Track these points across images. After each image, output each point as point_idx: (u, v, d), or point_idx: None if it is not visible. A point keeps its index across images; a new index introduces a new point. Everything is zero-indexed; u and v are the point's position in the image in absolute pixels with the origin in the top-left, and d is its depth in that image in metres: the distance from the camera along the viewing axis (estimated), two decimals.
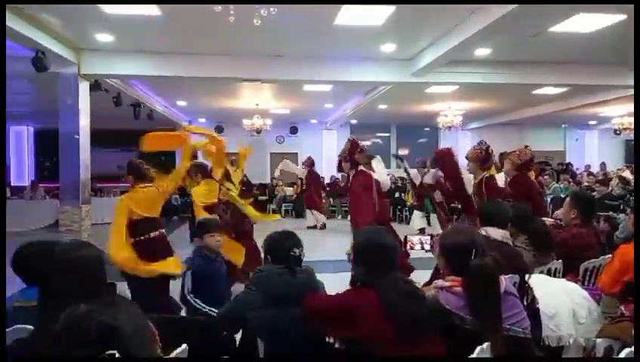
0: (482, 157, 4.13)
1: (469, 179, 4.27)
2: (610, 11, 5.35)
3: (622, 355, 1.56)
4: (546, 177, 9.29)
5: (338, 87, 9.07)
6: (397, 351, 1.68)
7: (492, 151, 4.23)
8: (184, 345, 1.48)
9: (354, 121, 15.53)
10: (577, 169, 14.03)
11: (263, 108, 11.84)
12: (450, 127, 12.45)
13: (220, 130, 15.40)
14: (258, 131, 12.08)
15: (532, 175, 5.07)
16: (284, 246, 2.14)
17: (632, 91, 9.13)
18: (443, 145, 17.12)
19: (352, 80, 7.96)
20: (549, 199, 8.09)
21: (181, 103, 11.88)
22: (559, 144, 17.59)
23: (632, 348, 1.60)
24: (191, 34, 6.31)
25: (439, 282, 1.89)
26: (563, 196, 7.44)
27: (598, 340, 1.86)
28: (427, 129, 16.29)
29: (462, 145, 16.90)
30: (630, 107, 12.14)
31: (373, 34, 6.29)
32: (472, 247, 1.76)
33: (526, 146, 4.25)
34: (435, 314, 1.76)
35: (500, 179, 4.36)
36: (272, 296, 2.02)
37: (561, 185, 9.26)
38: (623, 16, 5.44)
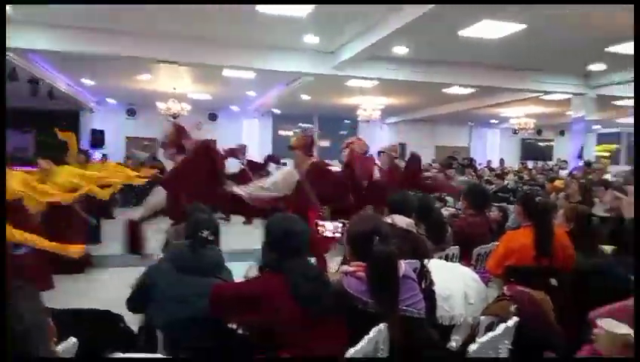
0: (308, 145, 4.12)
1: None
2: (513, 20, 5.86)
3: (498, 330, 1.74)
4: (452, 170, 10.02)
5: (261, 75, 8.97)
6: (301, 335, 1.73)
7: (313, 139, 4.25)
8: (72, 339, 1.39)
9: (276, 111, 15.47)
10: (480, 164, 15.27)
11: (181, 92, 11.34)
12: (369, 121, 12.90)
13: (131, 113, 14.51)
14: (174, 116, 11.55)
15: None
16: (196, 226, 2.18)
17: (528, 94, 10.15)
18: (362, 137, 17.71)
19: (275, 69, 7.91)
20: None
21: (88, 82, 10.97)
22: (465, 140, 19.02)
23: (508, 323, 1.80)
24: (101, 7, 5.83)
25: (344, 267, 1.98)
26: None
27: (482, 317, 2.06)
28: (348, 121, 16.71)
29: (379, 139, 17.61)
30: (526, 109, 13.48)
31: (296, 24, 6.29)
32: (375, 234, 1.85)
33: (400, 143, 4.53)
34: (339, 298, 1.84)
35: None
36: (179, 267, 2.09)
37: (465, 178, 10.03)
38: (523, 26, 5.99)
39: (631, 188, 1.98)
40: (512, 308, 1.92)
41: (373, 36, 6.21)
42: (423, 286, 2.50)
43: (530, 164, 15.05)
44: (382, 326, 1.71)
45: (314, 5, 5.46)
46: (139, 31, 6.80)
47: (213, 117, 15.31)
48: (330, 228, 2.63)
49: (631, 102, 11.22)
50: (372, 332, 1.68)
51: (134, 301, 2.15)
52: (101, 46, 6.87)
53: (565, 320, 2.12)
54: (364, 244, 1.83)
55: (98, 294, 4.08)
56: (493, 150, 18.31)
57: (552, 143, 19.50)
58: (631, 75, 8.51)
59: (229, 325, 1.99)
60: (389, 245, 1.82)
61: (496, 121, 17.14)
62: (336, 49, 7.58)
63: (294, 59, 7.78)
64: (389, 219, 3.00)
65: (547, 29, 6.21)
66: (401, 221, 2.96)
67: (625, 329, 0.97)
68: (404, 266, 1.94)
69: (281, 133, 16.25)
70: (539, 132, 18.19)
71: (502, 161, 15.62)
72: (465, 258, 3.26)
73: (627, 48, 6.97)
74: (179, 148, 4.18)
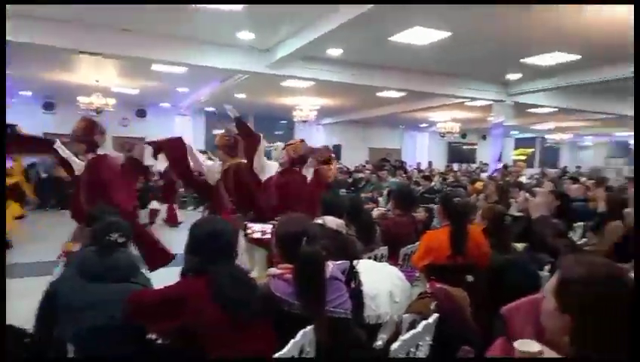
0: (231, 145, 4.08)
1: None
2: (439, 28, 6.15)
3: (419, 327, 1.80)
4: (384, 172, 10.35)
5: (193, 70, 8.67)
6: (226, 339, 1.68)
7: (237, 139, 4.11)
8: None
9: (210, 109, 15.06)
10: (410, 166, 15.92)
11: (105, 85, 10.66)
12: (305, 121, 12.95)
13: (49, 107, 13.41)
14: (98, 111, 10.83)
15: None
16: (103, 230, 2.02)
17: (454, 100, 10.73)
18: (298, 138, 17.76)
19: (207, 65, 7.67)
20: (385, 191, 9.01)
21: None
22: (397, 143, 19.75)
23: (429, 320, 1.87)
24: None
25: (272, 270, 1.95)
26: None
27: (405, 315, 2.13)
28: (284, 121, 16.69)
29: (315, 140, 17.72)
30: (452, 114, 14.25)
31: (230, 19, 6.14)
32: (303, 236, 1.84)
33: (302, 140, 4.12)
34: (266, 302, 1.81)
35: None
36: (85, 274, 1.93)
37: (396, 180, 10.41)
38: (448, 34, 6.31)
39: (539, 190, 2.15)
40: (433, 305, 2.00)
41: (308, 36, 6.23)
42: (353, 286, 2.55)
43: (455, 167, 15.95)
44: (308, 328, 1.71)
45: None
46: (59, 18, 6.28)
47: (141, 113, 14.58)
48: (258, 229, 2.59)
49: (543, 110, 12.28)
50: (298, 336, 1.67)
51: (42, 316, 1.97)
52: (13, 33, 6.26)
53: (481, 316, 2.25)
54: (292, 246, 1.81)
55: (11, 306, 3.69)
56: (423, 152, 19.18)
57: (475, 147, 20.80)
58: (542, 85, 9.31)
59: (148, 335, 1.89)
60: (317, 246, 1.81)
61: (426, 125, 17.96)
62: (271, 47, 7.52)
63: (228, 56, 7.60)
64: (320, 220, 3.03)
65: (470, 39, 6.60)
66: (332, 222, 2.99)
67: (536, 347, 1.06)
68: (332, 267, 1.95)
69: (216, 132, 15.83)
70: (464, 136, 19.31)
71: (430, 163, 16.40)
72: (393, 257, 3.36)
73: (539, 60, 7.60)
74: (89, 144, 3.75)
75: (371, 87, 9.32)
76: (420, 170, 13.15)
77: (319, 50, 7.28)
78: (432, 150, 19.44)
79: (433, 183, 8.89)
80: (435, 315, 1.91)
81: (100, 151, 3.60)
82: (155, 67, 8.68)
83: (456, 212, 2.92)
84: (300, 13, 5.84)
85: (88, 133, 3.75)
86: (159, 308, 1.79)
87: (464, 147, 20.76)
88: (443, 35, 6.32)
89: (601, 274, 1.11)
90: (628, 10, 5.07)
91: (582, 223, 5.18)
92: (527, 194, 2.54)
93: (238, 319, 1.71)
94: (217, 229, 1.88)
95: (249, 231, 2.59)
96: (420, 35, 6.36)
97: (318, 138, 17.60)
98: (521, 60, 7.72)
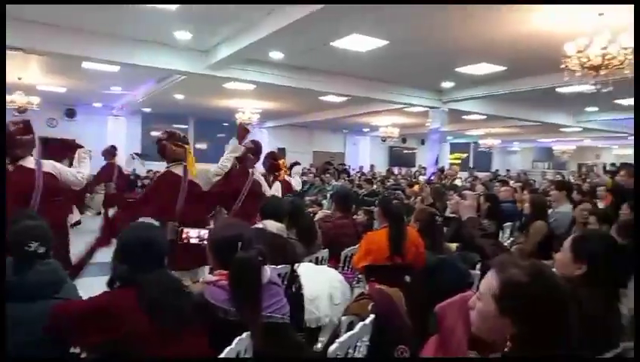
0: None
1: None
2: (377, 36, 6.32)
3: (357, 328, 1.82)
4: (328, 175, 10.46)
5: (127, 69, 8.27)
6: (158, 351, 1.60)
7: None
8: None
9: (147, 110, 14.45)
10: (354, 169, 16.21)
11: (29, 83, 9.89)
12: (248, 124, 12.78)
13: None
14: (21, 111, 10.03)
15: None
16: (20, 239, 1.81)
17: (394, 106, 11.06)
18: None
19: (143, 64, 7.35)
20: (329, 194, 9.10)
21: None
22: (341, 147, 20.04)
23: (366, 321, 1.89)
24: None
25: (207, 277, 1.89)
26: None
27: (343, 317, 2.14)
28: (226, 124, 16.35)
29: None
30: (392, 119, 14.70)
31: (166, 18, 5.93)
32: (238, 241, 1.80)
33: (280, 148, 4.22)
34: (200, 309, 1.75)
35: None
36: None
37: (339, 183, 10.55)
38: (386, 42, 6.50)
39: (468, 193, 2.27)
40: (370, 306, 2.03)
41: (248, 38, 6.16)
42: (293, 290, 2.54)
43: (396, 170, 16.44)
44: (244, 334, 1.67)
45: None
46: None
47: (71, 113, 13.70)
48: (194, 235, 2.50)
49: (475, 117, 12.99)
50: (234, 343, 1.63)
51: None
52: None
53: (417, 314, 2.32)
54: (227, 252, 1.77)
55: None
56: (365, 156, 19.60)
57: (415, 151, 21.58)
58: (473, 93, 9.85)
59: (72, 349, 1.75)
60: (252, 252, 1.78)
61: (368, 130, 18.38)
62: (210, 48, 7.35)
63: (164, 55, 7.33)
64: (260, 225, 2.99)
65: (406, 48, 6.85)
66: (273, 226, 2.97)
67: None
68: (269, 272, 1.93)
69: (154, 133, 15.20)
70: (404, 140, 19.98)
71: (372, 166, 16.79)
72: (333, 260, 3.38)
73: (470, 70, 8.04)
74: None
75: (314, 91, 9.39)
76: (362, 174, 13.43)
77: (261, 53, 7.23)
78: (374, 154, 19.92)
79: (375, 186, 9.12)
80: (372, 316, 1.94)
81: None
82: (85, 65, 8.19)
83: (395, 214, 3.00)
84: (238, 15, 5.76)
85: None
86: (84, 320, 1.67)
87: (404, 151, 21.47)
88: (381, 43, 6.50)
89: (541, 277, 1.13)
90: (550, 25, 5.49)
91: (510, 223, 5.53)
92: (458, 197, 2.66)
93: (170, 329, 1.64)
94: (147, 236, 1.79)
95: (185, 235, 2.49)
96: (359, 42, 6.51)
97: (262, 141, 17.44)
98: (454, 70, 8.13)
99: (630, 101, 10.62)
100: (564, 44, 5.17)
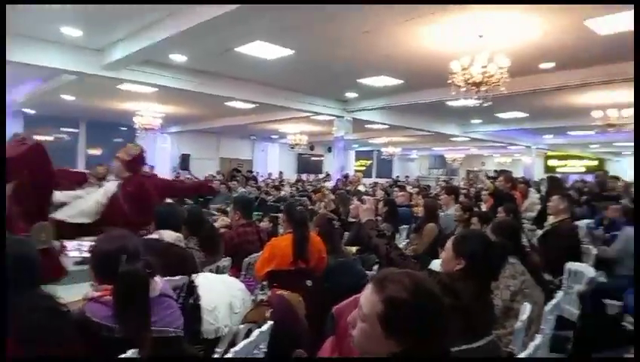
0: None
1: None
2: (282, 45, 6.38)
3: (253, 336, 1.81)
4: (235, 182, 10.27)
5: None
6: None
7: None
8: None
9: (30, 111, 12.97)
10: (262, 176, 16.13)
11: None
12: (147, 129, 12.09)
13: None
14: None
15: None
16: None
17: (301, 114, 11.24)
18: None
19: (23, 61, 6.59)
20: None
21: None
22: (249, 153, 19.84)
23: (262, 328, 1.88)
24: None
25: (88, 293, 1.74)
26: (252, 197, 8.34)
27: (240, 326, 2.11)
28: (124, 128, 15.30)
29: (161, 149, 16.71)
30: (300, 126, 14.93)
31: (50, 12, 5.40)
32: (122, 253, 1.68)
33: (136, 145, 3.83)
34: (80, 328, 1.61)
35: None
36: None
37: (246, 190, 10.42)
38: (291, 52, 6.59)
39: (366, 198, 2.39)
40: (268, 312, 2.03)
41: (148, 39, 5.84)
42: (191, 301, 2.44)
43: (304, 177, 16.69)
44: (130, 352, 1.56)
45: None
46: None
47: None
48: (73, 247, 2.29)
49: (377, 126, 13.70)
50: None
51: None
52: None
53: (316, 317, 2.37)
54: (110, 266, 1.64)
55: None
56: (274, 163, 19.62)
57: (322, 158, 22.12)
58: (375, 104, 10.40)
59: None
60: (138, 264, 1.68)
61: (277, 136, 18.44)
62: (105, 47, 6.84)
63: (50, 53, 6.66)
64: (155, 235, 2.84)
65: (312, 58, 7.03)
66: (169, 236, 2.83)
67: None
68: (161, 284, 1.83)
69: (37, 138, 13.67)
70: (311, 148, 20.37)
71: (281, 173, 16.85)
72: (235, 268, 3.33)
73: (372, 81, 8.47)
74: None
75: (219, 96, 9.18)
76: (271, 180, 13.42)
77: (161, 55, 6.91)
78: (283, 161, 20.03)
79: (283, 193, 9.16)
80: (270, 322, 1.94)
81: None
82: None
83: (298, 219, 3.04)
84: (133, 15, 5.44)
85: None
86: None
87: (312, 158, 21.89)
88: (286, 52, 6.59)
89: (421, 291, 1.11)
90: (438, 44, 6.00)
91: (406, 226, 5.90)
92: (358, 202, 2.78)
93: (44, 351, 1.48)
94: (18, 252, 1.60)
95: (64, 248, 2.27)
96: (264, 49, 6.52)
97: (164, 147, 16.63)
98: (357, 81, 8.51)
99: (507, 115, 12.02)
100: (450, 61, 5.68)
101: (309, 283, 2.82)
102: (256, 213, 6.23)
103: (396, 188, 8.56)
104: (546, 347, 2.52)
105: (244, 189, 10.46)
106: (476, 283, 1.86)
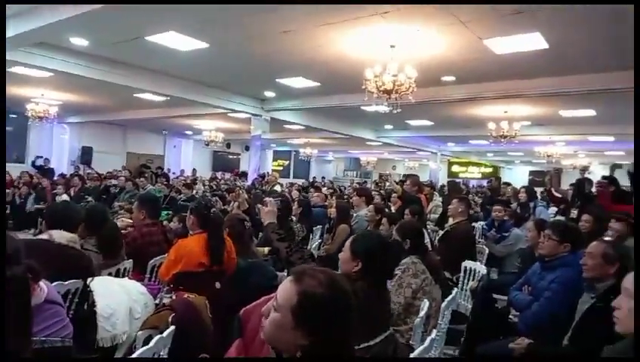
0: None
1: None
2: (197, 37, 6.14)
3: (152, 342, 1.71)
4: (143, 179, 9.69)
5: None
6: None
7: None
8: None
9: None
10: (174, 173, 15.43)
11: None
12: (43, 118, 10.94)
13: None
14: None
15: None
16: None
17: (217, 110, 10.92)
18: (34, 137, 14.91)
19: None
20: None
21: None
22: (160, 149, 18.85)
23: (164, 334, 1.79)
24: None
25: None
26: (161, 195, 7.90)
27: (139, 332, 1.99)
28: (14, 116, 13.69)
29: (58, 140, 15.28)
30: (216, 123, 14.52)
31: None
32: None
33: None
34: None
35: None
36: None
37: (157, 187, 9.88)
38: (206, 45, 6.37)
39: (268, 200, 2.38)
40: (170, 317, 1.93)
41: (43, 19, 5.27)
42: (86, 307, 2.25)
43: (219, 175, 16.27)
44: None
45: None
46: None
47: None
48: None
49: (295, 127, 13.79)
50: None
51: None
52: None
53: (224, 320, 2.31)
54: None
55: None
56: (187, 160, 18.85)
57: (239, 156, 21.72)
58: (292, 104, 10.47)
59: None
60: (18, 269, 1.50)
61: (191, 132, 17.74)
62: None
63: None
64: (45, 235, 2.57)
65: (228, 54, 6.86)
66: (61, 236, 2.58)
67: None
68: (46, 289, 1.66)
69: None
70: (228, 145, 19.92)
71: (194, 171, 16.25)
72: (138, 271, 3.13)
73: (289, 82, 8.51)
74: None
75: (127, 87, 8.59)
76: (184, 178, 12.86)
77: (58, 37, 6.30)
78: (197, 158, 19.33)
79: (195, 191, 8.82)
80: (172, 328, 1.84)
81: None
82: None
83: (212, 221, 2.94)
84: None
85: None
86: None
87: (229, 157, 21.41)
88: (201, 44, 6.35)
89: (335, 287, 1.14)
90: (354, 50, 6.18)
91: (320, 226, 6.01)
92: (260, 205, 2.76)
93: None
94: None
95: None
96: (178, 40, 6.23)
97: (62, 138, 15.20)
98: (275, 80, 8.49)
99: (416, 122, 12.78)
100: (364, 68, 5.90)
101: (217, 285, 2.74)
102: (165, 212, 5.94)
103: (312, 189, 8.68)
104: (442, 340, 2.71)
105: (153, 187, 9.91)
106: (373, 283, 1.93)
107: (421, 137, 16.12)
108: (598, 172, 15.86)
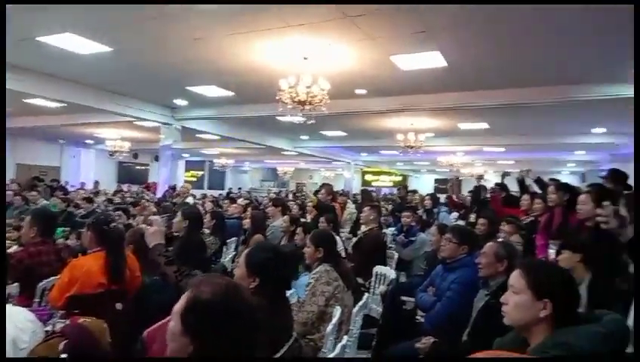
0: None
1: None
2: (98, 41, 5.72)
3: None
4: (34, 193, 8.74)
5: None
6: None
7: None
8: None
9: None
10: (73, 186, 14.14)
11: None
12: None
13: None
14: None
15: None
16: None
17: (122, 118, 10.24)
18: None
19: None
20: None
21: None
22: (56, 160, 17.20)
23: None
24: None
25: None
26: (57, 211, 7.16)
27: None
28: None
29: None
30: (121, 132, 13.62)
31: None
32: None
33: None
34: None
35: None
36: None
37: (52, 202, 8.97)
38: (109, 49, 5.96)
39: (154, 218, 2.27)
40: (62, 344, 1.75)
41: None
42: None
43: (125, 187, 15.23)
44: None
45: None
46: None
47: None
48: None
49: (209, 136, 13.42)
50: None
51: None
52: None
53: (124, 343, 2.14)
54: None
55: None
56: (89, 172, 17.43)
57: (148, 167, 20.56)
58: (206, 113, 10.18)
59: None
60: None
61: (92, 142, 16.45)
62: None
63: None
64: None
65: (134, 59, 6.48)
66: None
67: None
68: None
69: None
70: (135, 156, 18.78)
71: (97, 183, 15.07)
72: (26, 295, 2.79)
73: (203, 90, 8.27)
74: None
75: (15, 91, 7.72)
76: (84, 191, 11.83)
77: None
78: (101, 169, 17.95)
79: (96, 205, 8.16)
80: (63, 356, 1.67)
81: None
82: None
83: (113, 238, 2.73)
84: None
85: None
86: None
87: (136, 167, 20.18)
88: (103, 48, 5.93)
89: (225, 295, 1.14)
90: (268, 61, 6.18)
91: (235, 238, 5.88)
92: (144, 224, 2.62)
93: None
94: None
95: None
96: (76, 43, 5.75)
97: None
98: (186, 88, 8.19)
99: (331, 133, 13.13)
100: (279, 79, 5.93)
101: (119, 306, 2.54)
102: (61, 228, 5.40)
103: (226, 201, 8.46)
104: (354, 345, 2.78)
105: (47, 201, 8.97)
106: (271, 296, 1.88)
107: (336, 147, 16.57)
108: (492, 179, 17.54)
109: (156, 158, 19.74)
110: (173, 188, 10.24)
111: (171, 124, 10.50)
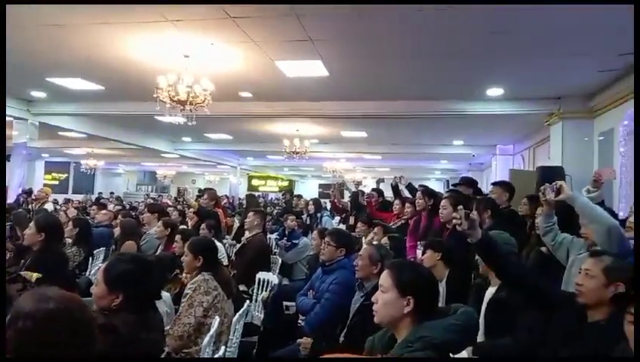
0: None
1: None
2: None
3: None
4: None
5: None
6: None
7: None
8: None
9: None
10: None
11: None
12: None
13: None
14: None
15: None
16: None
17: None
18: None
19: None
20: None
21: None
22: None
23: None
24: None
25: None
26: None
27: None
28: None
29: None
30: None
31: None
32: None
33: None
34: None
35: None
36: None
37: None
38: None
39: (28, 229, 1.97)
40: None
41: None
42: None
43: None
44: None
45: None
46: None
47: None
48: None
49: (74, 134, 12.03)
50: None
51: None
52: None
53: None
54: None
55: None
56: None
57: None
58: (70, 109, 9.11)
59: None
60: None
61: None
62: None
63: None
64: None
65: None
66: None
67: None
68: None
69: None
70: None
71: None
72: None
73: (66, 83, 7.37)
74: None
75: None
76: None
77: None
78: None
79: None
80: None
81: None
82: None
83: None
84: None
85: None
86: None
87: None
88: None
89: (40, 308, 1.13)
90: (144, 56, 5.75)
91: (104, 248, 5.33)
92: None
93: None
94: None
95: None
96: None
97: None
98: (46, 79, 7.24)
99: (215, 135, 12.75)
100: (157, 76, 5.55)
101: None
102: None
103: (95, 207, 7.64)
104: (234, 355, 2.69)
105: None
106: (140, 309, 1.75)
107: (221, 151, 16.13)
108: (370, 185, 18.75)
109: (8, 158, 17.12)
110: (29, 192, 8.96)
111: (26, 119, 9.16)
